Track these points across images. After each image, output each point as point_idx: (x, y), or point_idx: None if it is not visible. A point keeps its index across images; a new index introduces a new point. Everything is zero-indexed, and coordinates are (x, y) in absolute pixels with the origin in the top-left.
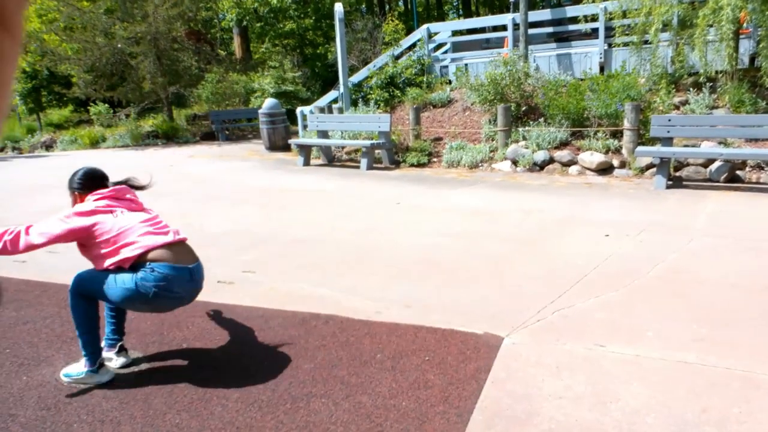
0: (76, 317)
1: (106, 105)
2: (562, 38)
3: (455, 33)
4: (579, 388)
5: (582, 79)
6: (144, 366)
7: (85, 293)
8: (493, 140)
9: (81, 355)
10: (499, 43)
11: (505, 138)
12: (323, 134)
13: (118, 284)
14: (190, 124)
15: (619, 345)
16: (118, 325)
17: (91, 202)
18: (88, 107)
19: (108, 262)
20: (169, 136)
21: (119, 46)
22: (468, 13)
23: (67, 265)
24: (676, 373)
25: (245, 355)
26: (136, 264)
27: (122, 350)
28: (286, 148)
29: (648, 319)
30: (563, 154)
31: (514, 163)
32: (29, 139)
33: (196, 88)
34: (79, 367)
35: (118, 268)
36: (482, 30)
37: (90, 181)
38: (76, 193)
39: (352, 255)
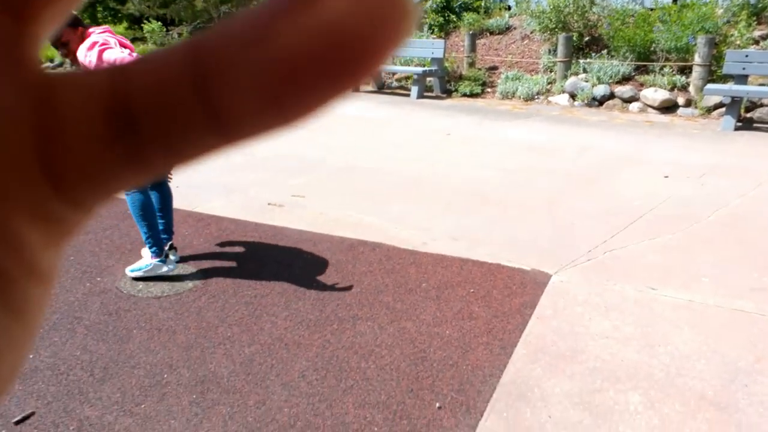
0: (134, 211)
1: (160, 23)
2: None
3: None
4: (627, 329)
5: (652, 9)
6: (197, 281)
7: None
8: (551, 72)
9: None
10: None
11: (565, 70)
12: None
13: None
14: None
15: (672, 289)
16: (167, 224)
17: (99, 35)
18: (142, 25)
19: None
20: None
21: None
22: None
23: None
24: (731, 321)
25: (294, 276)
26: None
27: (172, 248)
28: None
29: (705, 264)
30: (625, 90)
31: (572, 97)
32: None
33: (247, 7)
34: (145, 261)
35: None
36: None
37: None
38: (79, 28)
39: (400, 184)
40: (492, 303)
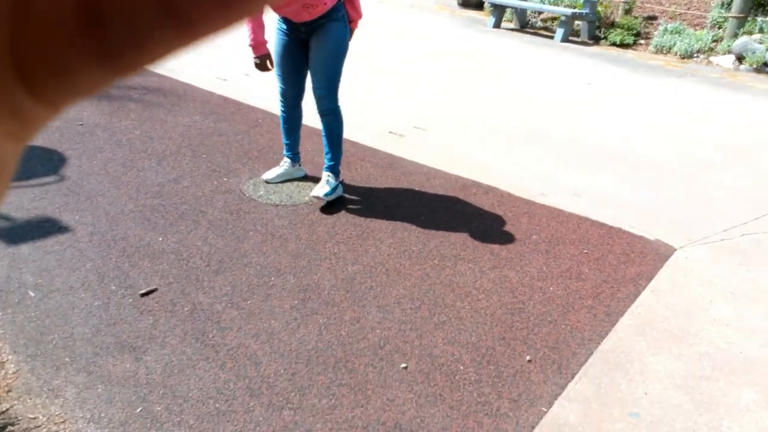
0: (337, 134)
1: None
2: None
3: None
4: (754, 321)
5: None
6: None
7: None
8: (719, 28)
9: (264, 171)
10: None
11: (737, 27)
12: None
13: (345, 38)
14: None
15: None
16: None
17: None
18: None
19: None
20: None
21: None
22: None
23: (258, 92)
24: None
25: (403, 206)
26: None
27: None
28: (479, 6)
29: None
30: None
31: (739, 59)
32: None
33: None
34: (330, 185)
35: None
36: None
37: None
38: None
39: (528, 130)
40: (605, 267)
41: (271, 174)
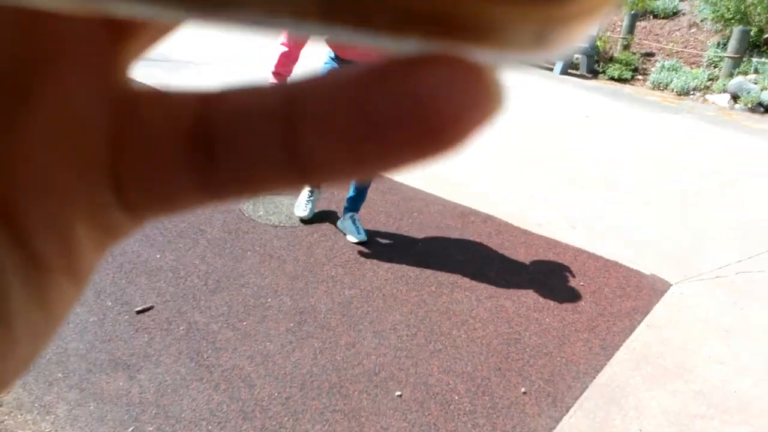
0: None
1: None
2: None
3: None
4: (748, 359)
5: None
6: (313, 218)
7: None
8: (715, 67)
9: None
10: None
11: (732, 67)
12: None
13: None
14: None
15: None
16: None
17: None
18: None
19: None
20: None
21: None
22: None
23: None
24: None
25: (401, 232)
26: None
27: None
28: None
29: None
30: None
31: (734, 98)
32: None
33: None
34: (355, 230)
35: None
36: None
37: None
38: None
39: (524, 160)
40: (601, 301)
41: (303, 211)
